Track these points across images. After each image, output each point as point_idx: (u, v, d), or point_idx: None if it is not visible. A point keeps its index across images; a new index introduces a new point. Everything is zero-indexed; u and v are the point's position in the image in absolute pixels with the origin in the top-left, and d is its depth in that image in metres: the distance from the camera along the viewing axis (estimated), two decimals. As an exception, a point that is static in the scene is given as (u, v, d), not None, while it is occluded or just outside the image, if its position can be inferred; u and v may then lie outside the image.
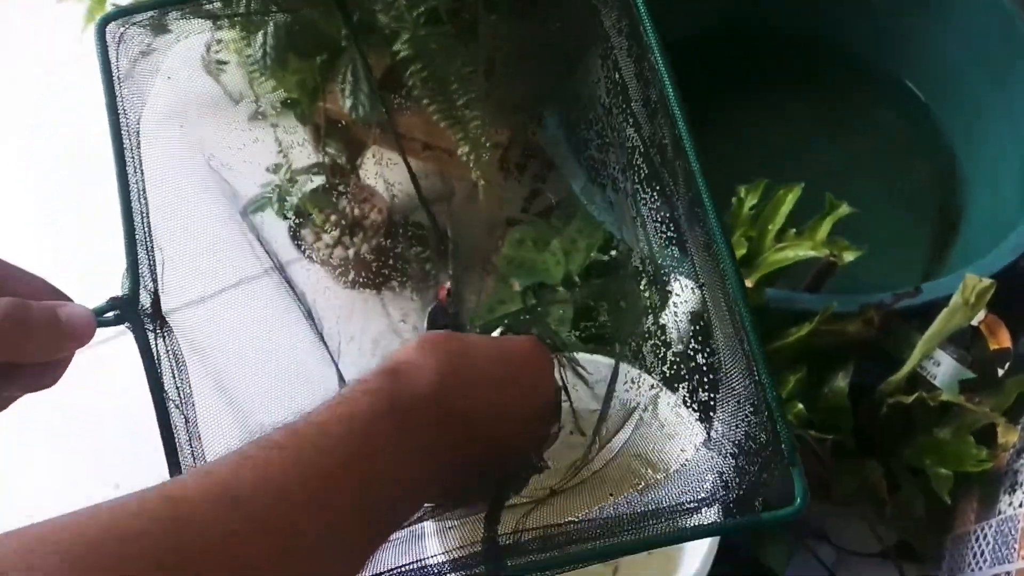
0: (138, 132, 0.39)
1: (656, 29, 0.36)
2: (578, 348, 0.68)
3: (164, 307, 0.41)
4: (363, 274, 0.92)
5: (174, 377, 0.39)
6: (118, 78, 0.38)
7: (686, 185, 0.37)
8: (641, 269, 0.53)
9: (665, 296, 0.48)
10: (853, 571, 0.75)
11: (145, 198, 0.39)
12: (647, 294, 0.57)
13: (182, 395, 0.39)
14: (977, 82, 0.83)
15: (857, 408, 0.71)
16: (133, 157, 0.38)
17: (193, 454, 0.38)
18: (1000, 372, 0.68)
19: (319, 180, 0.86)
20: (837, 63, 0.96)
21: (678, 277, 0.42)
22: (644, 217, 0.42)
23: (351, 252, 0.90)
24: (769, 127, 0.97)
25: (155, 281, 0.39)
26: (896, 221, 0.88)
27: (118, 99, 0.38)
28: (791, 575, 0.76)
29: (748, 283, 0.65)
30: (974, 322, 0.64)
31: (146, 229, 0.39)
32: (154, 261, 0.40)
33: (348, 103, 0.74)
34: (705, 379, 0.42)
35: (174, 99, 0.44)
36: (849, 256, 0.60)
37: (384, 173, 0.93)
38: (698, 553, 0.56)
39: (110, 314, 0.37)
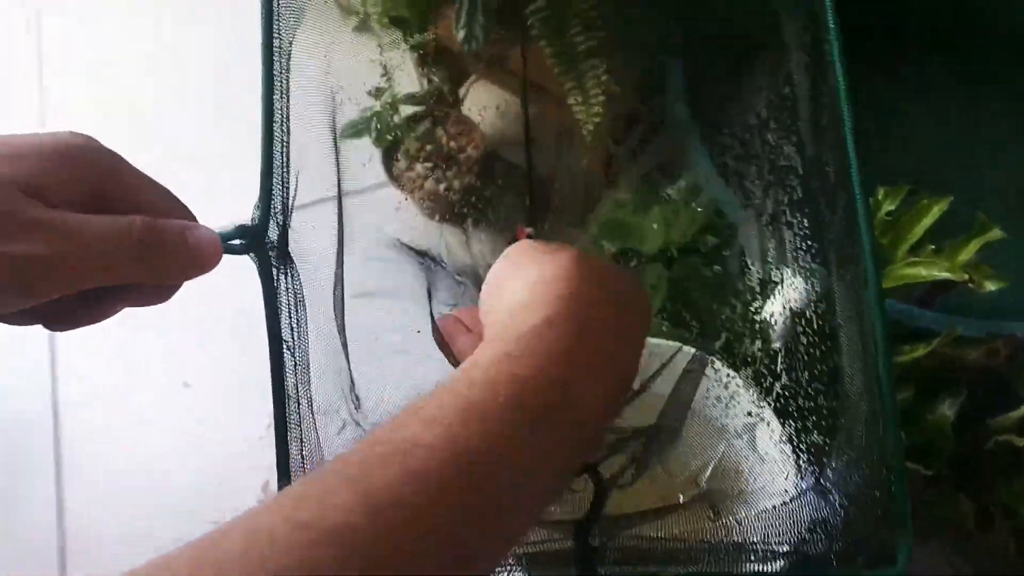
0: (289, 55, 0.37)
1: (843, 47, 0.30)
2: (666, 333, 0.64)
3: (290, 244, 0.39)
4: (451, 209, 0.89)
5: (290, 317, 0.37)
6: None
7: (845, 218, 0.32)
8: (751, 274, 0.49)
9: (784, 325, 0.44)
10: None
11: (288, 126, 0.37)
12: (754, 305, 0.53)
13: (296, 336, 0.38)
14: None
15: (960, 437, 0.66)
16: (281, 82, 0.36)
17: (299, 400, 0.37)
18: None
19: (418, 108, 0.82)
20: (1005, 44, 0.84)
21: (811, 312, 0.37)
22: (784, 239, 0.37)
23: (442, 187, 0.87)
24: (932, 108, 0.86)
25: (285, 214, 0.37)
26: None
27: (275, 15, 0.35)
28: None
29: (867, 293, 0.59)
30: (1117, 372, 0.58)
31: (284, 159, 0.37)
32: (288, 194, 0.38)
33: (461, 33, 0.69)
34: (823, 422, 0.38)
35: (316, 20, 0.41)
36: (991, 286, 0.54)
37: (486, 108, 0.88)
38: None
39: (237, 242, 0.36)
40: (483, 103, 0.87)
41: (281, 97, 0.36)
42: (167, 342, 0.97)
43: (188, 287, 0.35)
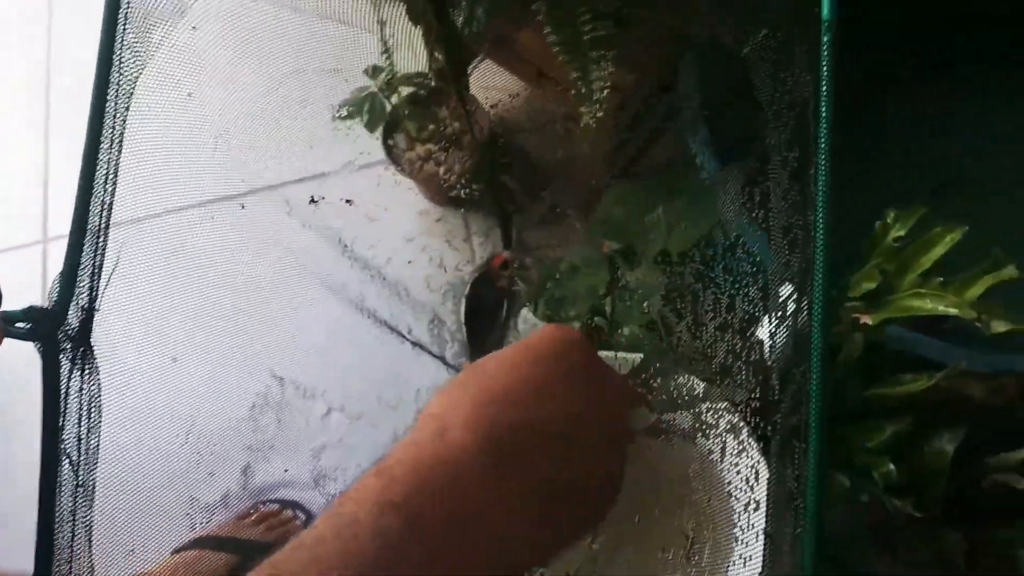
0: (130, 94, 0.31)
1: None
2: (654, 346, 0.62)
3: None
4: (451, 192, 0.86)
5: (79, 425, 0.31)
6: (124, 18, 0.30)
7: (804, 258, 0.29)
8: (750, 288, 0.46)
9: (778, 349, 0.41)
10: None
11: (114, 182, 0.31)
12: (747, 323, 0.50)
13: (83, 450, 0.31)
14: None
15: (955, 472, 0.63)
16: (114, 127, 0.30)
17: (75, 529, 0.30)
18: None
19: (419, 88, 0.78)
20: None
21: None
22: (790, 258, 0.34)
23: (442, 169, 0.84)
24: (954, 124, 0.81)
25: (93, 296, 0.31)
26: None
27: (116, 46, 0.30)
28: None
29: (869, 320, 0.56)
30: None
31: (103, 223, 0.31)
32: (99, 268, 0.32)
33: (461, 16, 0.66)
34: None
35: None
36: (1000, 327, 0.50)
37: (493, 90, 0.85)
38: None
39: (22, 325, 0.30)
40: (490, 84, 0.84)
41: (110, 147, 0.30)
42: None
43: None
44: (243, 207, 0.57)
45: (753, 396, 0.43)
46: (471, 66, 0.83)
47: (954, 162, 0.78)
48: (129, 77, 0.31)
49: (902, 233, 0.53)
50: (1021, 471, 0.61)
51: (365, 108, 0.70)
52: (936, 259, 0.52)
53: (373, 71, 0.72)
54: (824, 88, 0.32)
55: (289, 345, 0.75)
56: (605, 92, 0.66)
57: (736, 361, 0.51)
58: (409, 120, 0.78)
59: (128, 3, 0.31)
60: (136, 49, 0.32)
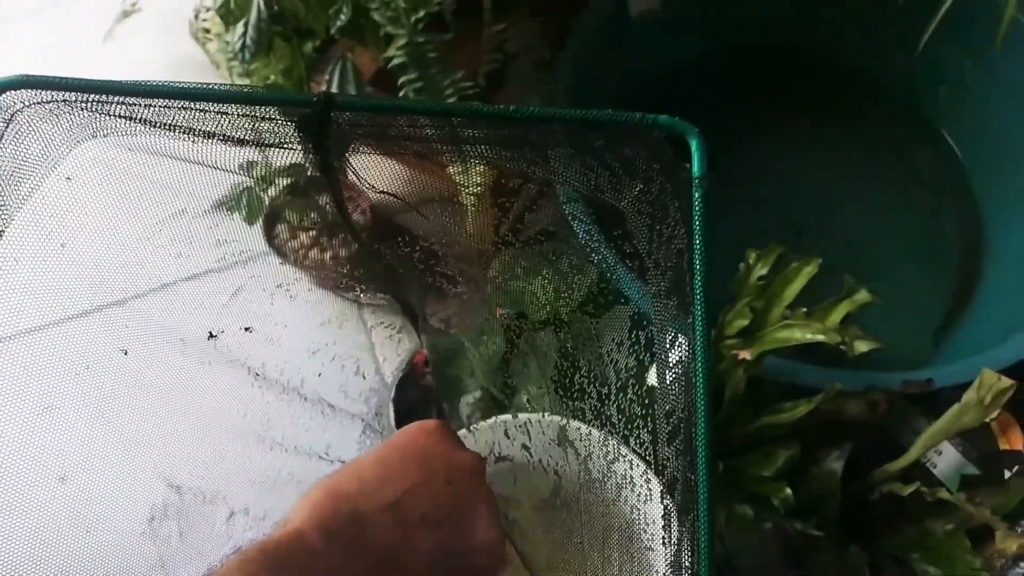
0: None
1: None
2: (556, 406, 0.63)
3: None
4: (341, 280, 0.86)
5: None
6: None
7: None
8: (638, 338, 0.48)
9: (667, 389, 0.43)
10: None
11: None
12: (639, 371, 0.53)
13: None
14: (1017, 144, 0.77)
15: (847, 489, 0.67)
16: None
17: None
18: (1007, 473, 0.63)
19: (297, 177, 0.79)
20: (875, 101, 0.89)
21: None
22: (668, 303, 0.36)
23: (328, 255, 0.84)
24: (797, 162, 0.90)
25: None
26: (914, 279, 0.83)
27: None
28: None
29: (747, 355, 0.59)
30: (986, 419, 0.59)
31: None
32: None
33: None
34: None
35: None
36: (862, 347, 0.55)
37: (373, 173, 0.86)
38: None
39: None
40: (368, 168, 0.85)
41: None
42: None
43: None
44: (126, 353, 0.55)
45: (649, 440, 0.45)
46: (346, 153, 0.85)
47: (795, 209, 0.86)
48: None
49: (764, 271, 0.58)
50: (904, 479, 0.65)
51: (243, 202, 0.70)
52: (797, 292, 0.56)
53: (248, 167, 0.72)
54: (698, 241, 0.35)
55: (187, 449, 0.72)
56: (480, 168, 0.69)
57: (632, 408, 0.53)
58: (289, 209, 0.78)
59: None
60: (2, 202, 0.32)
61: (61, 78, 0.35)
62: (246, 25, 0.65)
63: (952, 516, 0.64)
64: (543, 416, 0.58)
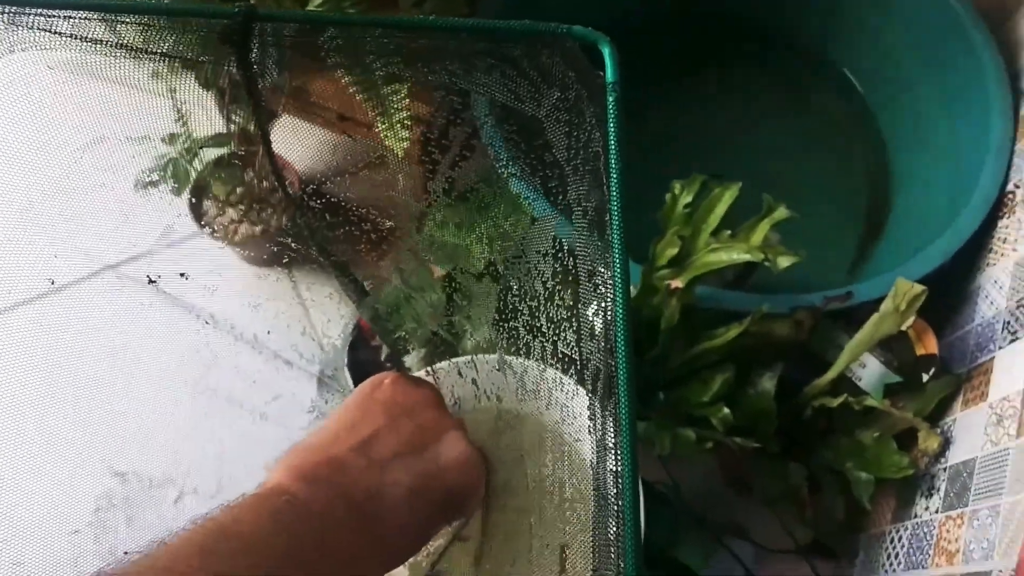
0: None
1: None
2: (495, 333, 0.65)
3: None
4: (272, 252, 0.85)
5: None
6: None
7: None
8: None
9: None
10: (772, 569, 0.75)
11: None
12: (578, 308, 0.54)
13: None
14: (914, 76, 0.81)
15: (782, 409, 0.70)
16: None
17: None
18: (924, 377, 0.67)
19: (223, 150, 0.78)
20: (783, 51, 0.93)
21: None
22: (598, 238, 0.38)
23: (258, 228, 0.83)
24: (712, 112, 0.94)
25: None
26: (829, 214, 0.87)
27: None
28: (710, 572, 0.75)
29: (679, 283, 0.62)
30: (903, 327, 0.63)
31: None
32: None
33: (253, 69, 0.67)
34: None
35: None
36: (784, 262, 0.57)
37: (297, 142, 0.86)
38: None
39: None
40: (293, 138, 0.85)
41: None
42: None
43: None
44: (53, 283, 0.54)
45: (574, 339, 0.46)
46: (271, 124, 0.84)
47: (714, 156, 0.89)
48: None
49: (689, 200, 0.60)
50: (832, 393, 0.68)
51: (169, 174, 0.69)
52: (721, 216, 0.58)
53: (170, 138, 0.71)
54: (613, 141, 0.37)
55: (129, 436, 0.71)
56: (407, 123, 0.69)
57: (559, 312, 0.54)
58: (216, 183, 0.77)
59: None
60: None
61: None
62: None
63: (879, 423, 0.67)
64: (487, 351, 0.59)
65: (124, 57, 0.41)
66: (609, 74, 0.37)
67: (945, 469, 0.63)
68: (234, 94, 0.80)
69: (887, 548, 0.68)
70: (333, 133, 0.81)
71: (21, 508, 0.84)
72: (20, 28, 0.36)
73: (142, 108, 0.62)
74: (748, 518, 0.76)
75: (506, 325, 0.57)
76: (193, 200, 0.78)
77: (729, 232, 0.59)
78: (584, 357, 0.42)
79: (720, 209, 0.59)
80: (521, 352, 0.55)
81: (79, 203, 0.53)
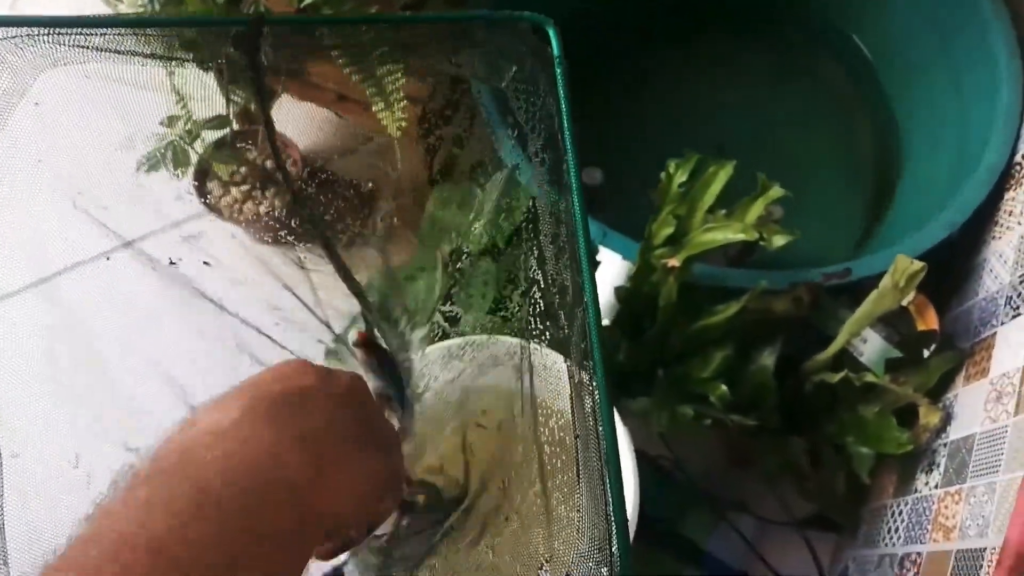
0: None
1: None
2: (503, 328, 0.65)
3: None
4: (278, 230, 0.86)
5: None
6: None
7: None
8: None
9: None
10: (773, 542, 0.75)
11: None
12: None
13: None
14: (924, 44, 0.79)
15: (782, 384, 0.70)
16: None
17: None
18: (926, 352, 0.66)
19: (224, 131, 0.78)
20: (787, 16, 0.91)
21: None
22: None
23: (263, 207, 0.84)
24: (714, 78, 0.92)
25: None
26: (834, 184, 0.86)
27: None
28: (712, 546, 0.76)
29: (675, 262, 0.61)
30: (903, 302, 0.62)
31: None
32: None
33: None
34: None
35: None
36: (779, 240, 0.57)
37: (299, 121, 0.86)
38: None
39: None
40: (295, 117, 0.85)
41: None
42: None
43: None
44: (108, 259, 0.56)
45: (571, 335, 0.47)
46: (271, 103, 0.84)
47: (718, 128, 0.88)
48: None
49: (684, 179, 0.59)
50: (833, 368, 0.68)
51: (168, 158, 0.69)
52: (716, 195, 0.58)
53: (169, 121, 0.71)
54: (563, 104, 0.43)
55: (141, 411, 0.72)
56: (403, 103, 0.69)
57: (528, 261, 0.55)
58: (219, 164, 0.78)
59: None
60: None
61: (25, 16, 0.39)
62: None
63: (880, 398, 0.67)
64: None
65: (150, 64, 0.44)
66: (555, 49, 0.44)
67: (946, 445, 0.63)
68: (232, 75, 0.80)
69: (888, 522, 0.68)
70: (334, 112, 0.81)
71: (37, 479, 0.87)
72: (61, 46, 0.39)
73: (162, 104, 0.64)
74: (749, 493, 0.76)
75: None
76: (196, 183, 0.79)
77: (724, 211, 0.58)
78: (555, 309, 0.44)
79: (715, 187, 0.58)
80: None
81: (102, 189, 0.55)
